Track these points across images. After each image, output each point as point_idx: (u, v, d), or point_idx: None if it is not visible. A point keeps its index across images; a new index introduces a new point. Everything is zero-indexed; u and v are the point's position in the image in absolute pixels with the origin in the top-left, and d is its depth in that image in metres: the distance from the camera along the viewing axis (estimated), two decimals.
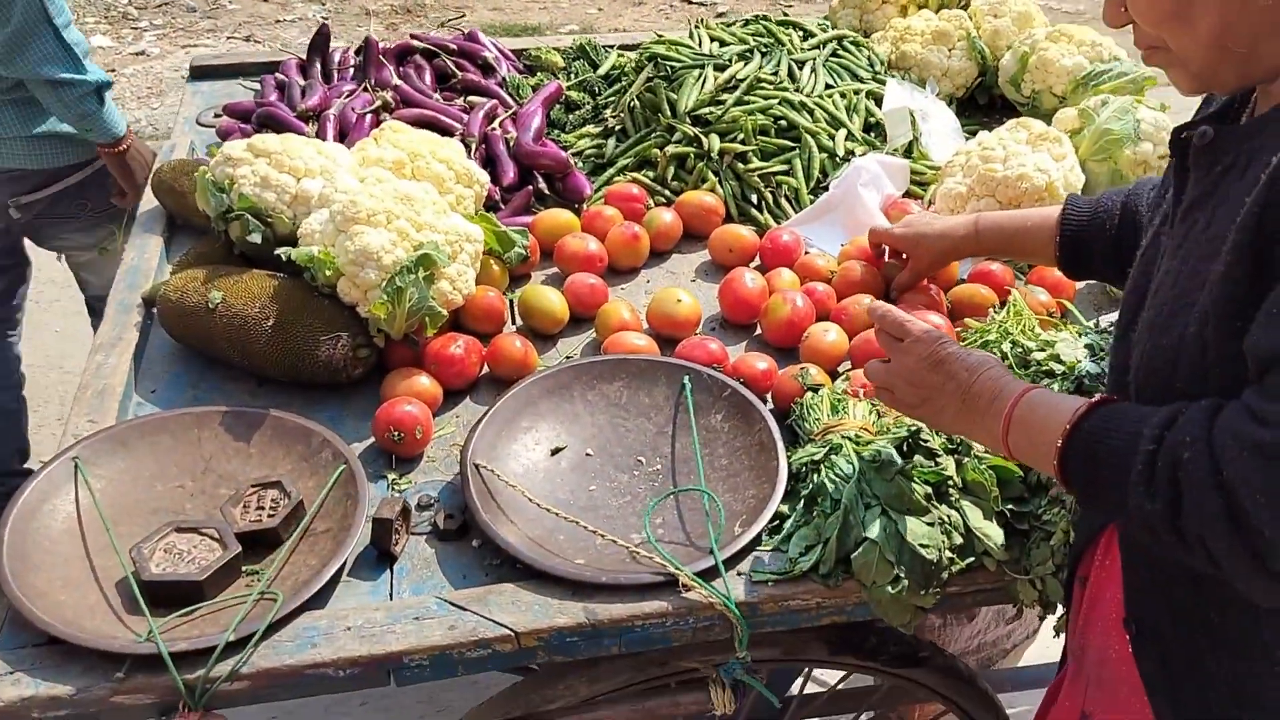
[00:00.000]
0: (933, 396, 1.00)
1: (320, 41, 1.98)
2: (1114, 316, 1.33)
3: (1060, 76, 1.80)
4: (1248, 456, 0.75)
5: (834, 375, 1.35)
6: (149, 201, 1.64)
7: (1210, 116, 0.95)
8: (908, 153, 1.77)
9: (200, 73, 2.06)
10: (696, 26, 1.98)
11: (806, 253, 1.59)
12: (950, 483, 1.09)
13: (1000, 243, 1.37)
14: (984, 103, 2.00)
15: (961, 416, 0.98)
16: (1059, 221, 1.29)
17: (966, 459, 1.11)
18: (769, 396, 1.32)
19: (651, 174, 1.74)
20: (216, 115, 1.89)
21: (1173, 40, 0.89)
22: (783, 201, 1.69)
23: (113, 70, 4.96)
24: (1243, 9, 0.82)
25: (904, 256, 1.46)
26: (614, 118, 1.85)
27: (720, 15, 5.70)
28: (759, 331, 1.47)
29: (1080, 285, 1.53)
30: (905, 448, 1.11)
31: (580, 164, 1.79)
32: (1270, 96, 0.87)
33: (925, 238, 1.40)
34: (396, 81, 1.81)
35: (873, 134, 1.81)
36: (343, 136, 1.71)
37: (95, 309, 2.26)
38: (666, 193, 1.72)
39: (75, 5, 5.64)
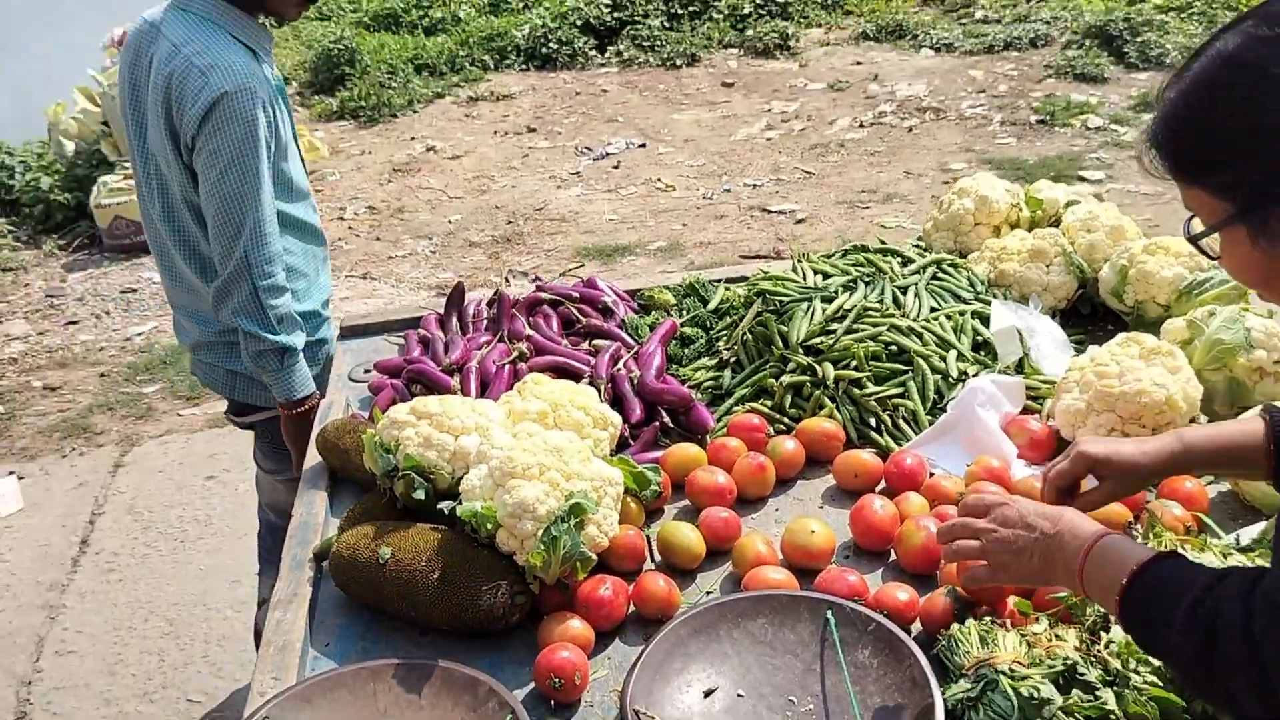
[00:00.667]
0: (1021, 549, 1.12)
1: (456, 296, 2.17)
2: (1254, 530, 1.35)
3: (1162, 287, 1.86)
4: (1274, 615, 0.85)
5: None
6: (313, 457, 1.78)
7: None
8: (1019, 369, 1.83)
9: (349, 331, 2.26)
10: (799, 260, 2.12)
11: (931, 474, 1.63)
12: (1113, 717, 1.09)
13: (1209, 460, 1.31)
14: (1087, 313, 2.06)
15: (1045, 561, 1.11)
16: (1268, 433, 1.25)
17: (1126, 690, 1.12)
18: (914, 627, 1.34)
19: (769, 403, 1.83)
20: (367, 371, 2.06)
21: (1268, 295, 0.99)
22: (901, 424, 1.76)
23: None
24: None
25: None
26: (728, 350, 1.96)
27: (800, 222, 5.96)
28: (894, 558, 1.50)
29: (1212, 494, 1.54)
30: (1062, 681, 1.12)
31: (699, 396, 1.90)
32: None
33: (1126, 460, 1.29)
34: (529, 332, 1.96)
35: (982, 352, 1.88)
36: (484, 386, 1.85)
37: (261, 519, 2.52)
38: (786, 420, 1.80)
39: None
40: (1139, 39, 8.04)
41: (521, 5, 11.08)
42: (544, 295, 2.10)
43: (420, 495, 1.49)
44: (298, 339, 2.05)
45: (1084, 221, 2.10)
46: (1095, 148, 6.61)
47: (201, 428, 4.28)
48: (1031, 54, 8.62)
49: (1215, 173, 0.94)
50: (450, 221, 6.46)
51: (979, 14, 9.78)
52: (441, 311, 2.18)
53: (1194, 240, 1.01)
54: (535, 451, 1.43)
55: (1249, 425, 1.29)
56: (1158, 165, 1.01)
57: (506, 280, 2.15)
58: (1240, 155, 0.91)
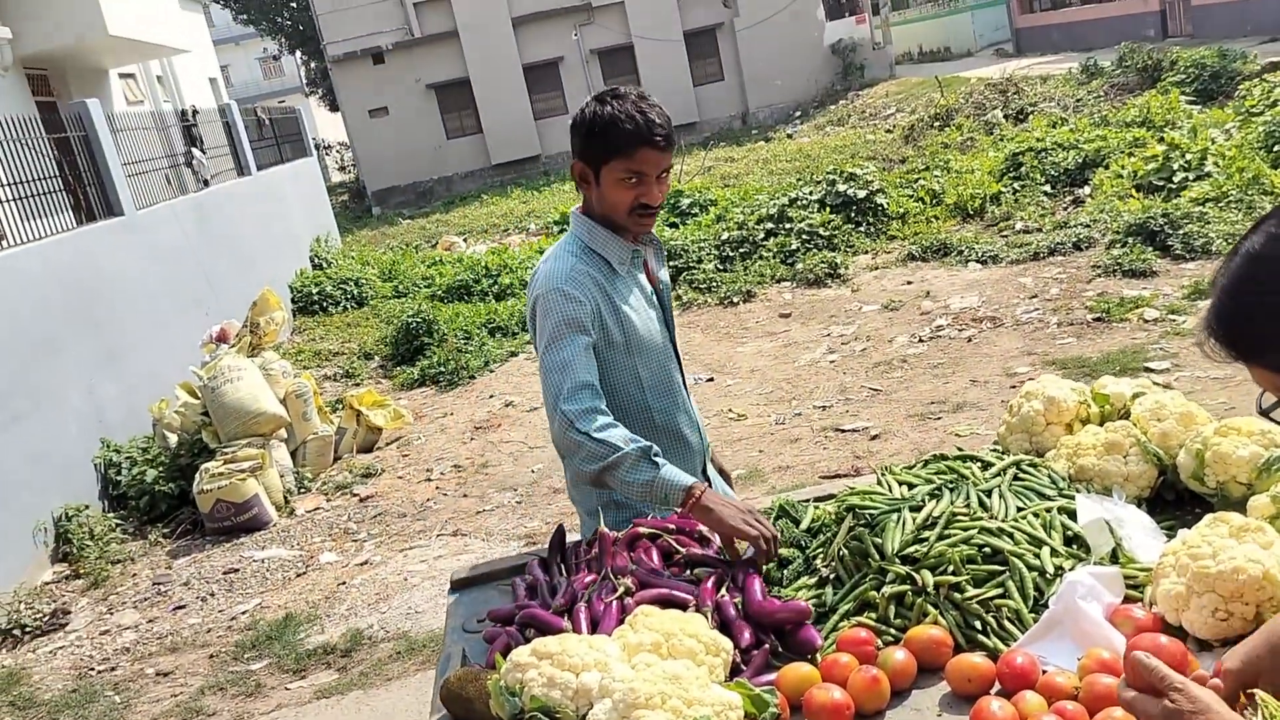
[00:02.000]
0: None
1: (558, 540, 2.28)
2: None
3: (1241, 467, 1.91)
4: None
5: None
6: (437, 709, 1.85)
7: None
8: (1114, 559, 1.87)
9: (458, 585, 2.37)
10: (883, 474, 2.21)
11: (1044, 672, 1.65)
12: None
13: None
14: (1171, 499, 2.10)
15: None
16: None
17: None
18: None
19: (874, 615, 1.87)
20: (480, 621, 2.15)
21: None
22: (1006, 624, 1.78)
23: (343, 584, 5.50)
24: None
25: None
26: (826, 567, 2.03)
27: (874, 438, 6.03)
28: None
29: None
30: None
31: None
32: None
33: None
34: (632, 567, 2.05)
35: (1074, 546, 1.92)
36: (594, 624, 1.92)
37: None
38: (892, 631, 1.84)
39: (306, 529, 6.39)
40: (1181, 231, 8.28)
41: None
42: (641, 529, 2.20)
43: None
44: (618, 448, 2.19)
45: (1153, 411, 2.18)
46: (1157, 339, 6.69)
47: (310, 699, 4.33)
48: (1077, 257, 8.89)
49: (1269, 352, 1.07)
50: (533, 471, 6.66)
51: (1018, 225, 10.17)
52: (544, 555, 2.29)
53: (1265, 413, 1.13)
54: (655, 681, 1.50)
55: None
56: (1218, 350, 1.13)
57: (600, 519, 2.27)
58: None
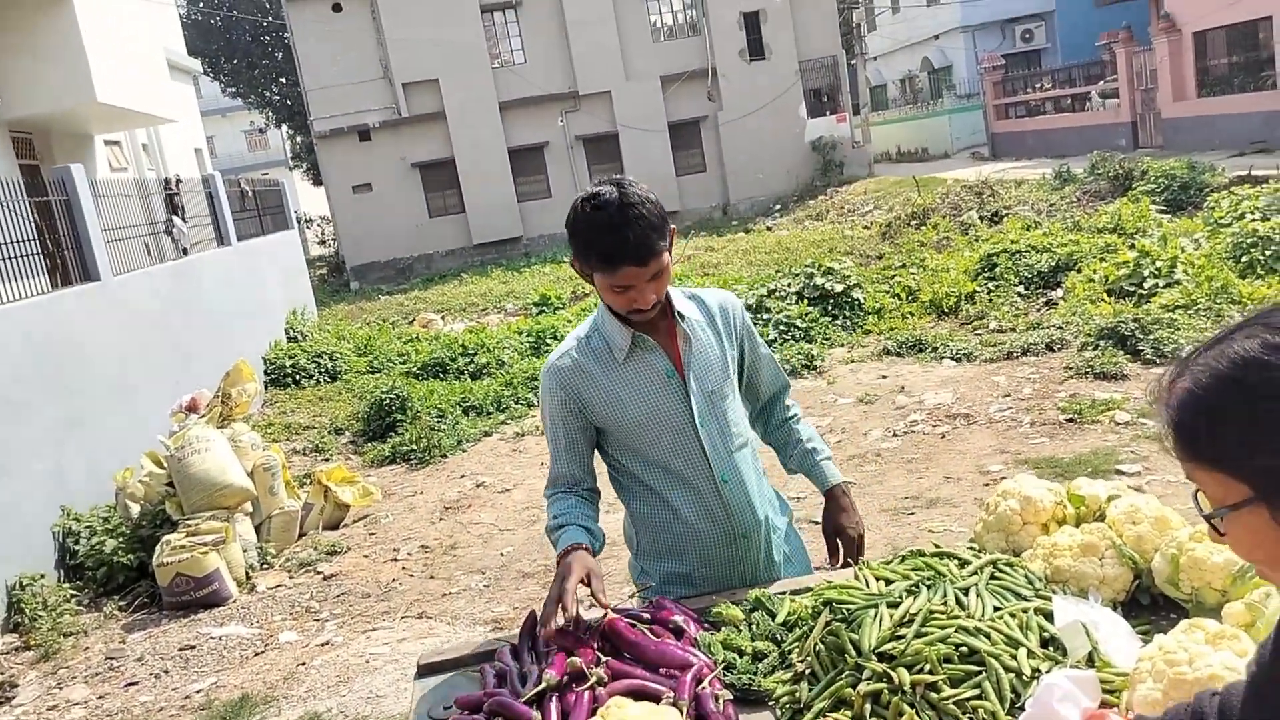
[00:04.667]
0: None
1: (529, 626, 2.24)
2: None
3: (1216, 573, 1.92)
4: None
5: None
6: None
7: None
8: (1090, 663, 1.85)
9: (425, 670, 2.31)
10: (861, 569, 2.20)
11: None
12: None
13: None
14: (1146, 603, 2.10)
15: None
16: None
17: None
18: None
19: (849, 713, 1.85)
20: (447, 708, 2.10)
21: (1270, 573, 1.11)
22: None
23: (302, 665, 5.37)
24: None
25: None
26: (801, 662, 2.00)
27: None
28: None
29: None
30: None
31: (779, 711, 1.92)
32: None
33: None
34: (605, 658, 2.02)
35: (1050, 648, 1.91)
36: (565, 715, 1.88)
37: None
38: None
39: (266, 606, 6.25)
40: (1151, 336, 8.42)
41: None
42: (615, 618, 2.17)
43: None
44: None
45: (1128, 514, 2.19)
46: (1128, 441, 6.76)
47: None
48: (1049, 357, 9.01)
49: (1234, 459, 1.05)
50: (502, 554, 6.57)
51: (992, 324, 10.33)
52: (514, 642, 2.25)
53: (1209, 518, 1.11)
54: None
55: None
56: (1175, 446, 1.11)
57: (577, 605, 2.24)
58: (1261, 444, 1.02)
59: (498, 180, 27.44)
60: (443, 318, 17.21)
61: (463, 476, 8.42)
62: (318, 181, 31.23)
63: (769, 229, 22.86)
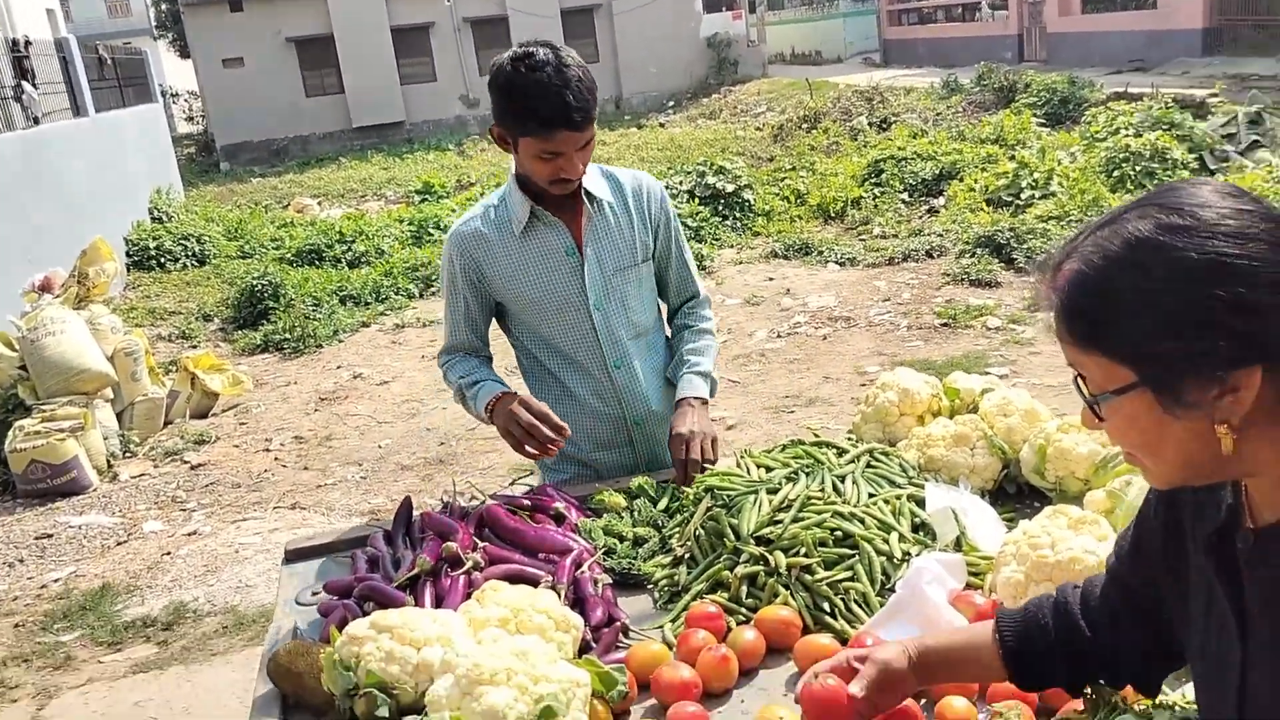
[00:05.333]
0: None
1: (404, 512, 2.18)
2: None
3: (1079, 463, 1.98)
4: None
5: None
6: (263, 685, 1.73)
7: (1225, 518, 1.09)
8: (958, 547, 1.91)
9: (293, 555, 2.24)
10: (742, 457, 2.21)
11: None
12: None
13: (942, 669, 1.41)
14: (1013, 492, 2.17)
15: None
16: (997, 638, 1.35)
17: None
18: None
19: (726, 594, 1.86)
20: (315, 594, 2.03)
21: (1147, 460, 1.07)
22: (853, 606, 1.80)
23: (168, 554, 5.21)
24: (1206, 444, 0.99)
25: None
26: (681, 547, 2.00)
27: (730, 427, 6.11)
28: None
29: None
30: None
31: (657, 594, 1.93)
32: (1262, 493, 1.04)
33: (895, 670, 1.39)
34: (482, 543, 1.98)
35: (920, 533, 1.96)
36: (439, 599, 1.84)
37: None
38: (743, 611, 1.82)
39: (129, 495, 6.03)
40: (1025, 246, 8.69)
41: (442, 238, 11.51)
42: (494, 504, 2.12)
43: (384, 713, 1.46)
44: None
45: (1000, 407, 2.24)
46: (997, 346, 7.00)
47: (125, 674, 4.07)
48: (929, 264, 9.22)
49: (1121, 343, 1.01)
50: (380, 447, 6.46)
51: (876, 230, 10.49)
52: (388, 529, 2.19)
53: (1092, 401, 1.06)
54: (502, 656, 1.43)
55: (975, 629, 1.42)
56: (1060, 327, 1.06)
57: (442, 501, 2.19)
58: (1150, 329, 0.98)
59: (379, 61, 26.25)
60: (319, 203, 16.55)
61: (339, 367, 8.21)
62: (185, 54, 29.33)
63: (662, 125, 22.59)
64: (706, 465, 2.24)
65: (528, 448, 2.25)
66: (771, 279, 9.48)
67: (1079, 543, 1.67)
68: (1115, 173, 10.17)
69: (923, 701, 1.56)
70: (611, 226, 2.42)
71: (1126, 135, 10.83)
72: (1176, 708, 1.26)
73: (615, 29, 27.36)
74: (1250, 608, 1.02)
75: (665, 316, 2.65)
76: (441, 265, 2.48)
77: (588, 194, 2.38)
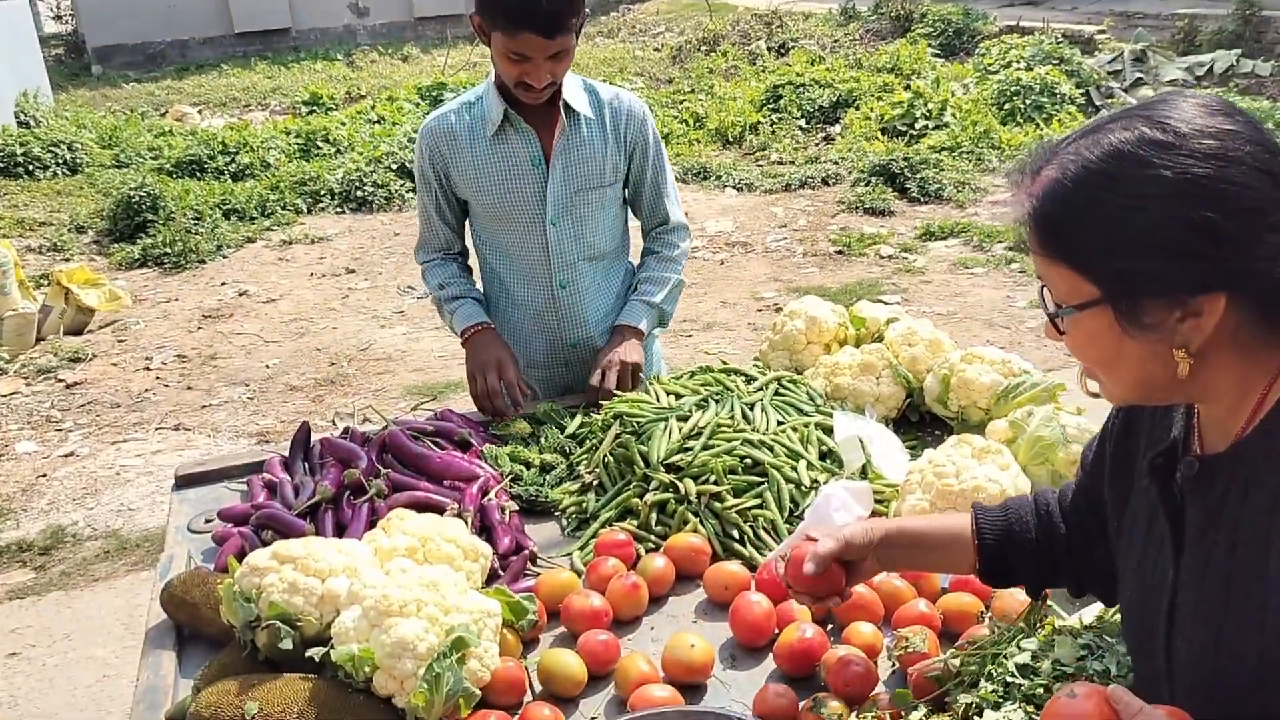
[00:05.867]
0: None
1: (302, 437, 2.11)
2: (1094, 609, 1.46)
3: (981, 392, 2.03)
4: None
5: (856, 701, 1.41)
6: (156, 615, 1.67)
7: (1173, 442, 1.10)
8: (863, 474, 1.94)
9: (184, 481, 2.14)
10: (650, 383, 2.19)
11: None
12: None
13: (907, 555, 1.40)
14: (916, 420, 2.21)
15: None
16: (975, 531, 1.36)
17: None
18: None
19: (635, 521, 1.86)
20: (208, 521, 1.96)
21: (1103, 376, 1.07)
22: (762, 534, 1.82)
23: (43, 476, 4.98)
24: (1163, 366, 0.99)
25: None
26: (589, 474, 1.99)
27: None
28: (773, 665, 1.53)
29: None
30: None
31: (565, 521, 1.91)
32: (1214, 421, 1.05)
33: (858, 543, 1.36)
34: (386, 470, 1.92)
35: (828, 460, 1.98)
36: (340, 528, 1.79)
37: None
38: (653, 539, 1.83)
39: (0, 415, 5.73)
40: (918, 175, 8.82)
41: (334, 150, 11.10)
42: (397, 430, 2.07)
43: (288, 645, 1.41)
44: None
45: (905, 336, 2.27)
46: (890, 274, 7.13)
47: (1, 600, 3.89)
48: (824, 191, 9.30)
49: (1089, 257, 0.98)
50: (268, 366, 6.26)
51: (774, 156, 10.51)
52: (286, 454, 2.11)
53: (1054, 314, 1.04)
54: (411, 587, 1.40)
55: (952, 521, 1.41)
56: (1032, 239, 1.03)
57: (333, 422, 2.13)
58: (1119, 245, 0.96)
59: None
60: (200, 112, 15.72)
61: (223, 284, 7.88)
62: None
63: None
64: (616, 393, 2.22)
65: (480, 400, 2.26)
66: None
67: (982, 471, 1.71)
68: (1006, 105, 10.37)
69: (829, 627, 1.60)
70: (584, 143, 2.34)
71: (1018, 69, 11.03)
72: (1083, 632, 1.31)
73: None
74: (1188, 531, 1.04)
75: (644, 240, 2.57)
76: (415, 160, 2.45)
77: (566, 106, 2.30)
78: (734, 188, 9.69)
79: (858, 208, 8.61)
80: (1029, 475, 1.77)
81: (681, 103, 12.52)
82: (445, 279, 2.45)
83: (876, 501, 1.88)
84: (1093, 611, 1.47)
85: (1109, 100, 10.81)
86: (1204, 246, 0.92)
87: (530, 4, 2.03)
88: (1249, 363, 0.99)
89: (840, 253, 7.65)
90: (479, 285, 2.54)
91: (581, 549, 1.83)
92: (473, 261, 2.56)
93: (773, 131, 11.20)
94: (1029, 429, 1.81)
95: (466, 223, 2.49)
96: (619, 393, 2.22)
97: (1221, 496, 1.01)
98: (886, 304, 6.44)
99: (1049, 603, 1.55)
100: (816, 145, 10.86)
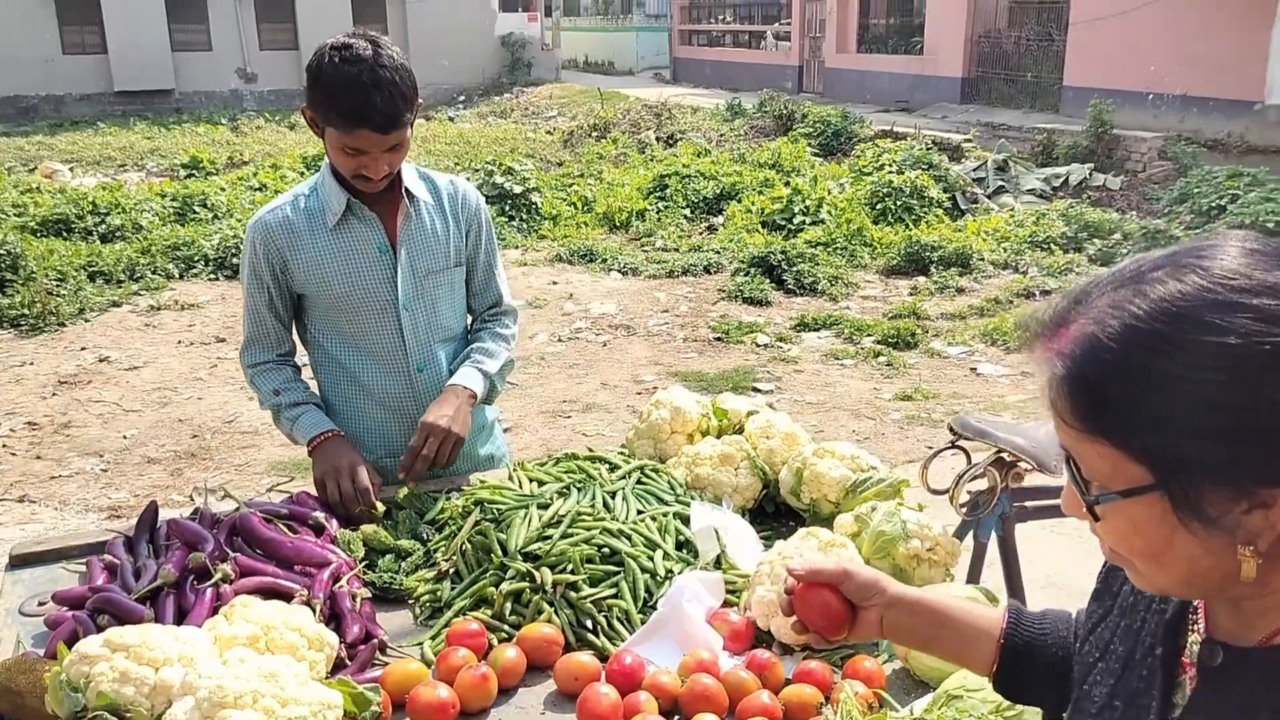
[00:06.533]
0: None
1: (149, 517, 2.04)
2: (925, 700, 1.52)
3: (831, 486, 2.11)
4: None
5: None
6: None
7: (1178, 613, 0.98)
8: (717, 565, 1.98)
9: (19, 560, 2.04)
10: (515, 470, 2.20)
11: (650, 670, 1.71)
12: None
13: (922, 626, 1.27)
14: (771, 511, 2.28)
15: None
16: (1005, 630, 1.21)
17: None
18: None
19: (490, 611, 1.85)
20: (41, 604, 1.87)
21: (1142, 567, 0.90)
22: (616, 624, 1.83)
23: None
24: (1221, 563, 0.84)
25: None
26: (446, 561, 1.98)
27: (506, 430, 6.09)
28: None
29: (888, 672, 1.71)
30: None
31: (418, 609, 1.89)
32: (1247, 619, 0.91)
33: (874, 579, 1.30)
34: (233, 554, 1.88)
35: (684, 550, 2.02)
36: (182, 613, 1.73)
37: None
38: (506, 628, 1.82)
39: None
40: (795, 268, 9.15)
41: (212, 215, 10.88)
42: (249, 512, 2.02)
43: None
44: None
45: (763, 429, 2.35)
46: (765, 362, 7.33)
47: None
48: (706, 279, 9.55)
49: (1141, 435, 0.82)
50: (125, 437, 6.01)
51: (659, 243, 10.76)
52: (130, 534, 2.04)
53: (1093, 501, 0.88)
54: (248, 678, 1.36)
55: (984, 611, 1.29)
56: (1067, 409, 0.86)
57: (191, 498, 2.07)
58: (1178, 424, 0.80)
59: (149, 22, 24.42)
60: (71, 169, 15.22)
61: (83, 349, 7.58)
62: None
63: (451, 120, 22.23)
64: (431, 465, 2.26)
65: (334, 506, 2.18)
66: (555, 283, 9.53)
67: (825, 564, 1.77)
68: (879, 205, 10.90)
69: (676, 718, 1.62)
70: (426, 228, 2.38)
71: (890, 171, 11.62)
72: None
73: (408, 16, 26.72)
74: (1185, 713, 0.93)
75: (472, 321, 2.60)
76: (243, 254, 2.39)
77: (407, 192, 2.34)
78: (619, 271, 9.86)
79: (737, 296, 8.85)
80: (873, 567, 1.83)
81: (571, 186, 12.74)
82: (281, 384, 2.38)
83: (730, 592, 1.93)
84: (923, 703, 1.53)
85: (974, 205, 11.45)
86: (1277, 428, 0.78)
87: (365, 106, 2.08)
88: None
89: (719, 339, 7.83)
90: (313, 385, 2.48)
91: (433, 638, 1.81)
92: (301, 358, 2.49)
93: (659, 219, 11.48)
94: (872, 524, 1.89)
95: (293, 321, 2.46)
96: (434, 463, 2.25)
97: (1227, 693, 0.89)
98: (760, 391, 6.61)
99: (884, 694, 1.61)
100: (700, 234, 11.17)
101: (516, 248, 10.80)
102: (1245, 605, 0.89)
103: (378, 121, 2.11)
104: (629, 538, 1.97)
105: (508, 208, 11.34)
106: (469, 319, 2.57)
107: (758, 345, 7.71)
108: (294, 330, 2.47)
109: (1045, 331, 0.88)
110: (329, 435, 2.30)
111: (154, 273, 9.25)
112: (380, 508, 2.16)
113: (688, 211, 11.72)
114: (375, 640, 1.75)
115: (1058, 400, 0.86)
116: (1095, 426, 0.84)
